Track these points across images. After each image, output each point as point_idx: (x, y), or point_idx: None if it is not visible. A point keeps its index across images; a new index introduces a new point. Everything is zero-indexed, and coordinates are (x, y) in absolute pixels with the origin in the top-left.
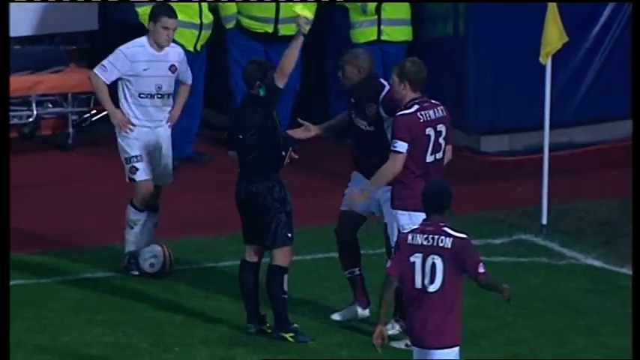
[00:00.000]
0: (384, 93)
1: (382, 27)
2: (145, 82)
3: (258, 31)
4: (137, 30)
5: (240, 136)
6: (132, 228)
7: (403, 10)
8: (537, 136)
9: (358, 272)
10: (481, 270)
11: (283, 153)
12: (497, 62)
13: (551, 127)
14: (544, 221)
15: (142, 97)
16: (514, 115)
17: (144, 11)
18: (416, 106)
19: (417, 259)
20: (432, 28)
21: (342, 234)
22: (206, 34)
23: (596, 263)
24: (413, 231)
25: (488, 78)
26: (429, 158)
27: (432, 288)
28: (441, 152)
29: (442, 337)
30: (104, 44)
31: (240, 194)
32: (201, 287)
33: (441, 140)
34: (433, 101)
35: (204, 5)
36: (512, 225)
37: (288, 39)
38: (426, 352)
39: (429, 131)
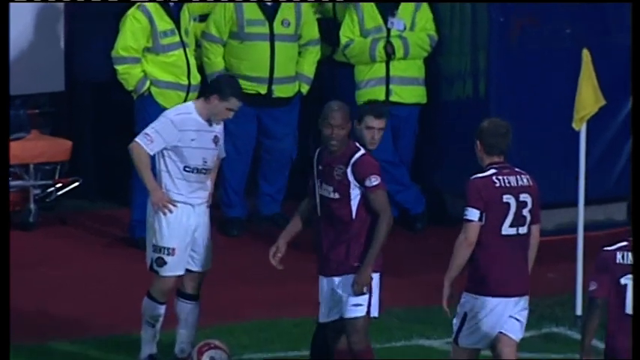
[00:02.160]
0: (357, 155)
1: (391, 86)
2: (193, 155)
3: (250, 92)
4: (108, 91)
5: None
6: (152, 326)
7: (415, 68)
8: (571, 213)
9: None
10: None
11: None
12: (524, 127)
13: (587, 203)
14: (579, 312)
15: (187, 171)
16: (544, 189)
17: (125, 70)
18: (492, 170)
19: (628, 281)
20: (448, 88)
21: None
22: (193, 96)
23: None
24: (620, 248)
25: (513, 145)
26: (507, 230)
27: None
28: (526, 227)
29: None
30: (71, 107)
31: None
32: None
33: (525, 212)
34: (517, 169)
35: (193, 64)
36: (542, 316)
37: (282, 102)
38: None
39: (508, 199)
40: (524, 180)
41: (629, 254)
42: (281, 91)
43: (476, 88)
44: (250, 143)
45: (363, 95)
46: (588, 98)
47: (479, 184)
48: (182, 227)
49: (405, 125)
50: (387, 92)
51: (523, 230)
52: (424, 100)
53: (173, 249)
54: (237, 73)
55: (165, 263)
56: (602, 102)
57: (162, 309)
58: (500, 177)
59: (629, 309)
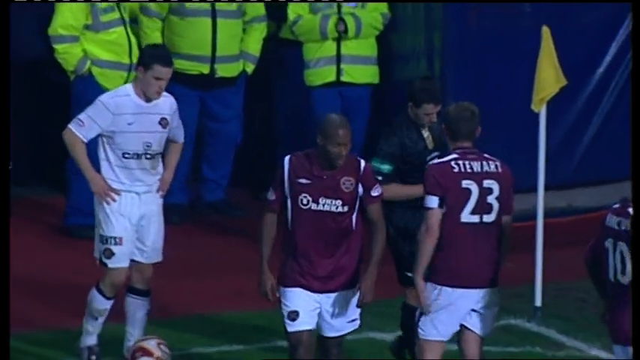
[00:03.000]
0: (363, 165)
1: (342, 66)
2: (131, 140)
3: (192, 72)
4: (42, 71)
5: None
6: (95, 319)
7: (368, 46)
8: (529, 199)
9: None
10: None
11: None
12: (480, 109)
13: (547, 188)
14: (538, 303)
15: (126, 158)
16: None
17: (64, 49)
18: (453, 155)
19: (610, 245)
20: (402, 67)
21: None
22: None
23: (603, 355)
24: (614, 210)
25: None
26: (468, 218)
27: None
28: (492, 215)
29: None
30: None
31: None
32: None
33: (490, 200)
34: (487, 155)
35: (134, 42)
36: (501, 308)
37: (226, 82)
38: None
39: (469, 184)
40: (492, 166)
41: (615, 218)
42: (224, 70)
43: (431, 67)
44: (192, 126)
45: (312, 75)
46: (548, 78)
47: (435, 170)
48: (127, 216)
49: (357, 107)
50: (338, 72)
51: (489, 218)
52: (377, 80)
53: (120, 238)
54: (178, 51)
55: (113, 254)
56: (563, 82)
57: (108, 304)
58: (460, 162)
59: (610, 275)
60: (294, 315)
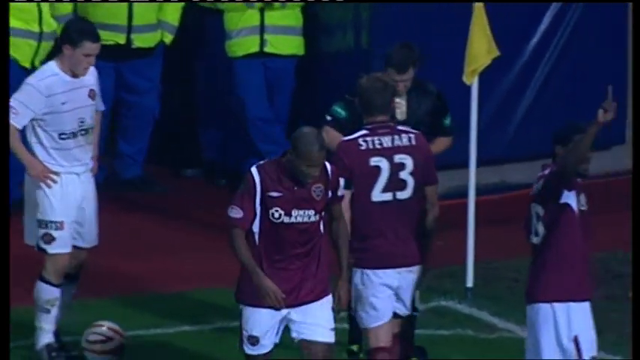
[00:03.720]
0: (329, 169)
1: (266, 36)
2: (67, 119)
3: (107, 43)
4: None
5: None
6: (48, 312)
7: (293, 16)
8: (461, 175)
9: None
10: None
11: None
12: None
13: (479, 164)
14: (469, 284)
15: (63, 139)
16: None
17: None
18: (363, 131)
19: (380, 163)
20: (328, 39)
21: None
22: (46, 46)
23: None
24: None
25: None
26: (380, 197)
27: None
28: (407, 191)
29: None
30: None
31: None
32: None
33: (403, 175)
34: (402, 128)
35: (46, 10)
36: (431, 289)
37: (143, 53)
38: None
39: (378, 161)
40: (405, 139)
41: (535, 185)
42: (141, 40)
43: (358, 39)
44: (108, 99)
45: (234, 46)
46: (480, 49)
47: (342, 148)
48: (69, 198)
49: (282, 79)
50: (262, 43)
51: (403, 195)
52: (302, 52)
53: (61, 222)
54: (92, 20)
55: (53, 239)
56: (496, 53)
57: (57, 292)
58: (369, 138)
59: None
60: (253, 340)
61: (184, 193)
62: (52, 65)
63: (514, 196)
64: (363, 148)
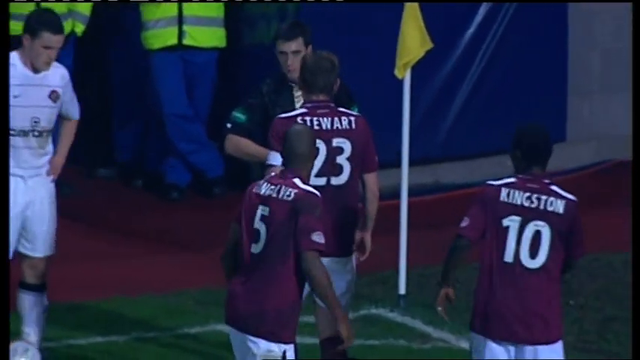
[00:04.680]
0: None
1: (185, 28)
2: (17, 114)
3: (15, 34)
4: None
5: None
6: None
7: (214, 7)
8: (393, 175)
9: None
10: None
11: None
12: (340, 75)
13: (411, 163)
14: (402, 291)
15: (11, 135)
16: None
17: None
18: (301, 110)
19: (511, 223)
20: (251, 31)
21: None
22: None
23: None
24: (507, 185)
25: None
26: (313, 181)
27: (532, 264)
28: (343, 177)
29: (548, 328)
30: None
31: None
32: None
33: (340, 160)
34: (342, 110)
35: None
36: (360, 296)
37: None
38: (521, 349)
39: (316, 144)
40: (344, 122)
41: (517, 193)
42: None
43: None
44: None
45: (151, 37)
46: (413, 41)
47: (278, 125)
48: (12, 200)
49: (202, 73)
50: (180, 34)
51: (338, 181)
52: (223, 44)
53: None
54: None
55: None
56: (429, 45)
57: None
58: (307, 118)
59: (509, 257)
60: None
61: (97, 195)
62: (12, 55)
63: (448, 197)
64: None
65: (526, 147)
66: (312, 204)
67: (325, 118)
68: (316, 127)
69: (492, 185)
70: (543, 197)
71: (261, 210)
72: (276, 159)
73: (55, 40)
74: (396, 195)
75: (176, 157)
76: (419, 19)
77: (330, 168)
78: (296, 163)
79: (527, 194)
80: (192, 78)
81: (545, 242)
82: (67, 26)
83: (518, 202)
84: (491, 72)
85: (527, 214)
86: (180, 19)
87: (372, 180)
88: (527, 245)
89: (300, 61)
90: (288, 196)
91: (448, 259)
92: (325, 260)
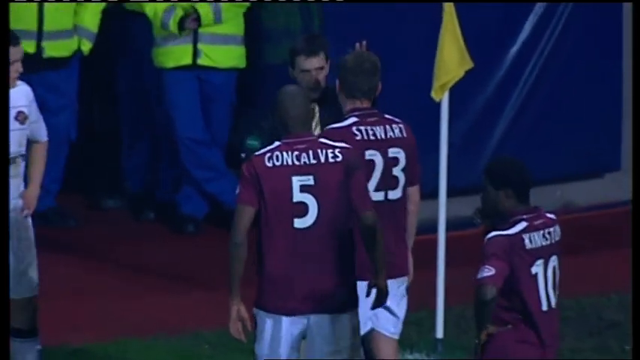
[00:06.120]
0: None
1: (200, 46)
2: None
3: None
4: None
5: None
6: None
7: (233, 24)
8: (429, 207)
9: None
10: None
11: None
12: None
13: (450, 194)
14: (439, 334)
15: None
16: None
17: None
18: (353, 119)
19: (539, 268)
20: (273, 49)
21: None
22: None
23: None
24: (525, 230)
25: None
26: (374, 196)
27: (554, 303)
28: (398, 191)
29: None
30: None
31: None
32: None
33: (396, 172)
34: (388, 116)
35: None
36: None
37: (57, 63)
38: None
39: (373, 155)
40: (396, 130)
41: (535, 235)
42: (54, 49)
43: None
44: None
45: (163, 55)
46: (451, 60)
47: (334, 135)
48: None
49: (219, 95)
50: (195, 53)
51: (395, 195)
52: (243, 64)
53: None
54: None
55: None
56: (469, 65)
57: None
58: (362, 127)
59: (544, 304)
60: None
61: (103, 228)
62: None
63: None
64: (358, 138)
65: (517, 183)
66: (357, 158)
67: (378, 127)
68: (372, 138)
69: (511, 235)
70: (551, 229)
71: (299, 181)
72: None
73: (14, 52)
74: (433, 228)
75: (192, 186)
76: (457, 33)
77: (387, 181)
78: (295, 127)
79: (541, 232)
80: (208, 99)
81: (557, 276)
82: (72, 44)
83: (539, 244)
84: (536, 93)
85: (546, 254)
86: (196, 37)
87: (416, 193)
88: (552, 285)
89: (341, 62)
90: (335, 157)
91: (481, 314)
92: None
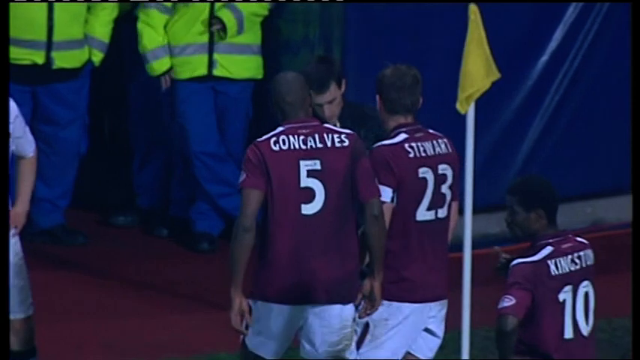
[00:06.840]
0: None
1: (216, 56)
2: None
3: (22, 62)
4: None
5: None
6: None
7: (250, 33)
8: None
9: None
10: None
11: None
12: None
13: (475, 211)
14: (465, 356)
15: None
16: None
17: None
18: (403, 135)
19: (567, 295)
20: (292, 59)
21: None
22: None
23: None
24: (550, 256)
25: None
26: (423, 215)
27: (586, 330)
28: (445, 209)
29: None
30: None
31: None
32: None
33: (444, 189)
34: (432, 131)
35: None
36: None
37: (67, 74)
38: None
39: (425, 173)
40: (443, 146)
41: (562, 260)
42: (64, 60)
43: None
44: None
45: (177, 65)
46: (477, 71)
47: (387, 153)
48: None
49: (235, 107)
50: (210, 63)
51: (443, 213)
52: (260, 75)
53: None
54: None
55: None
56: (497, 75)
57: None
58: (413, 144)
59: (569, 332)
60: None
61: (114, 246)
62: None
63: (518, 249)
64: (411, 155)
65: (549, 204)
66: (363, 145)
67: (426, 142)
68: (423, 154)
69: (536, 262)
70: (581, 254)
71: (305, 166)
72: (386, 194)
73: None
74: (458, 247)
75: (206, 202)
76: (484, 44)
77: (437, 199)
78: (293, 113)
79: (569, 257)
80: (223, 111)
81: (591, 302)
82: (83, 54)
83: (567, 270)
84: (566, 106)
85: (576, 279)
86: (211, 46)
87: (455, 209)
88: (582, 312)
89: (380, 77)
90: (342, 142)
91: (502, 345)
92: (431, 304)
